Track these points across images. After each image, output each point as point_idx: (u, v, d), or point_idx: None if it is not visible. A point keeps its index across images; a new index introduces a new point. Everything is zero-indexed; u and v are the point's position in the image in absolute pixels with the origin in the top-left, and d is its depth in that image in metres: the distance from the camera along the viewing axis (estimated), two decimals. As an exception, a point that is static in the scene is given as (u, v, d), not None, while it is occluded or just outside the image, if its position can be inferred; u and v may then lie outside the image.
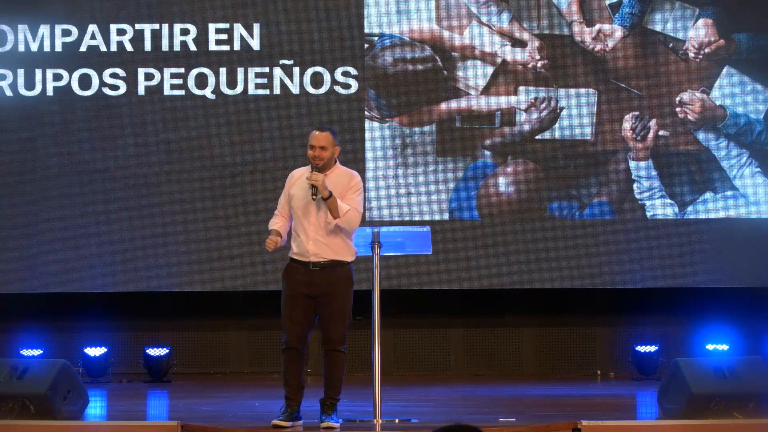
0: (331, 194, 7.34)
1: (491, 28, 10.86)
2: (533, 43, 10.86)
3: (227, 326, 11.35)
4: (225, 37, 10.81)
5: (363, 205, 7.56)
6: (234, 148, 10.76)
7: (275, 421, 7.41)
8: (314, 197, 7.37)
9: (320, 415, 7.48)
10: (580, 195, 10.88)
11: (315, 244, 7.41)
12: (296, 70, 10.82)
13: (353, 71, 10.82)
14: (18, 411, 7.50)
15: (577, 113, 10.87)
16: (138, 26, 10.79)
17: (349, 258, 7.50)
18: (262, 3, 10.83)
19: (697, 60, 10.89)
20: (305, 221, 7.43)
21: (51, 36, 10.75)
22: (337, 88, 10.82)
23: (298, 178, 7.53)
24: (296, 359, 7.46)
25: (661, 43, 10.90)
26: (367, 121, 10.81)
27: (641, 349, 11.07)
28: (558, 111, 10.85)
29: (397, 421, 7.72)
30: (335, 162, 7.51)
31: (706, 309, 11.07)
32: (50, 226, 10.70)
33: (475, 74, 10.85)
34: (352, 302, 7.51)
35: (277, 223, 7.56)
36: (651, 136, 10.86)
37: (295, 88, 10.81)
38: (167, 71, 10.79)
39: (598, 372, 11.39)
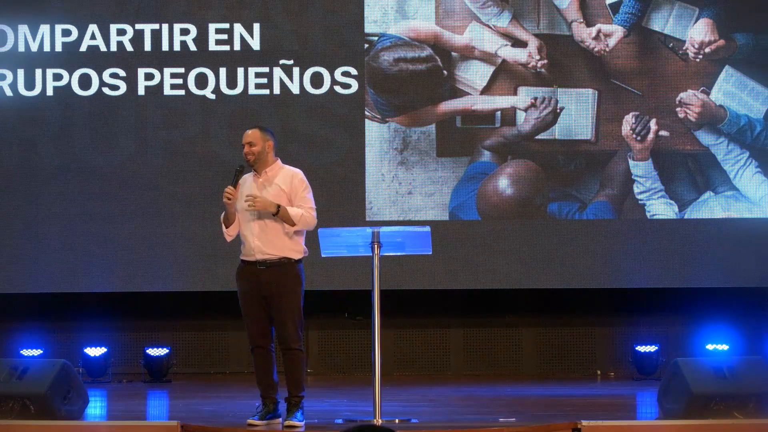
0: (278, 209, 7.40)
1: (491, 28, 10.85)
2: (533, 43, 10.85)
3: (227, 326, 11.34)
4: (225, 37, 10.81)
5: (313, 199, 7.58)
6: (234, 148, 10.73)
7: (249, 420, 7.48)
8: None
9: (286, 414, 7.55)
10: (580, 195, 10.88)
11: (260, 241, 7.47)
12: (296, 70, 10.82)
13: (353, 71, 10.82)
14: (18, 411, 7.50)
15: (577, 113, 10.86)
16: (138, 26, 10.78)
17: (297, 256, 7.54)
18: (262, 3, 10.83)
19: (697, 60, 10.89)
20: (251, 221, 7.50)
21: (51, 36, 10.74)
22: (337, 88, 10.81)
23: (245, 185, 7.59)
24: (265, 357, 7.54)
25: (661, 43, 10.90)
26: (367, 121, 10.81)
27: (641, 349, 11.07)
28: (558, 111, 10.85)
29: (397, 421, 7.71)
30: (276, 159, 7.59)
31: (706, 309, 11.07)
32: (50, 225, 10.70)
33: (475, 74, 10.85)
34: (302, 300, 7.56)
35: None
36: (651, 136, 10.86)
37: (295, 88, 10.81)
38: (167, 71, 10.79)
39: (598, 372, 11.38)
